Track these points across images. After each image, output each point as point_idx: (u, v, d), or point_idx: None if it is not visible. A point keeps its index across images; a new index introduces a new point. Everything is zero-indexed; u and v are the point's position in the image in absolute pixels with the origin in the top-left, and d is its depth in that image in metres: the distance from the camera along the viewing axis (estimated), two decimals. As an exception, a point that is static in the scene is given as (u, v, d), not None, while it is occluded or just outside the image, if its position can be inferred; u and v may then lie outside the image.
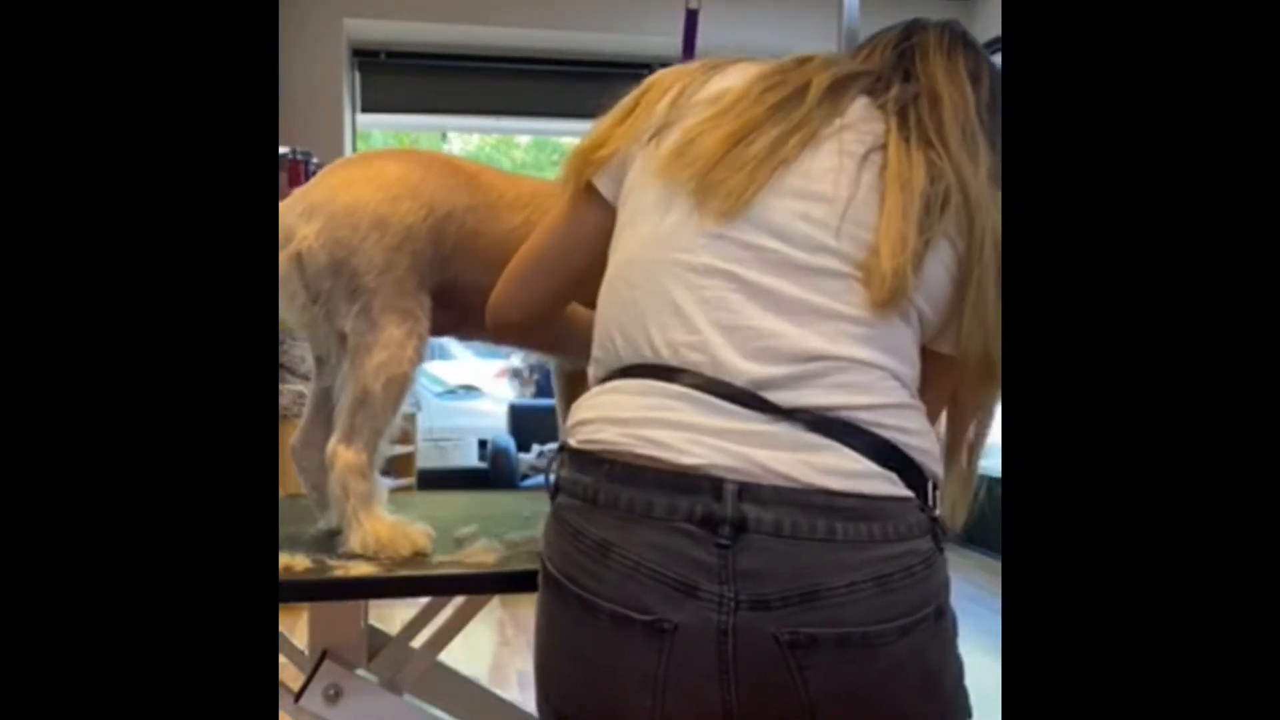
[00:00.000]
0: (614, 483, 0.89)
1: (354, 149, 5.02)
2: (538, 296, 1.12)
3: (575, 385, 1.64)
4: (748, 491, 0.85)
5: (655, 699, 0.87)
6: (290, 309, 1.33)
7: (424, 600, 1.65)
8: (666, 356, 0.90)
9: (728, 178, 0.92)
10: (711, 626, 0.85)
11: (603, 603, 0.88)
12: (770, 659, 0.84)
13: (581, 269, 1.06)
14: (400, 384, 1.31)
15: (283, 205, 1.35)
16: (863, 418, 0.88)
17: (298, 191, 1.38)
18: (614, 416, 0.92)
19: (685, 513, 0.86)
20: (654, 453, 0.87)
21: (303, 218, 1.30)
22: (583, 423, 0.94)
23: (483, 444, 5.45)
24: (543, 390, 6.55)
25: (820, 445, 0.87)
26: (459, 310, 1.40)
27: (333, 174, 1.39)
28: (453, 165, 1.41)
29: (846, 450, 0.87)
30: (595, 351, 0.98)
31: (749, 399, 0.87)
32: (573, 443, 0.95)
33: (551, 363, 1.63)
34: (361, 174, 1.35)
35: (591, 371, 1.00)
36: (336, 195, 1.31)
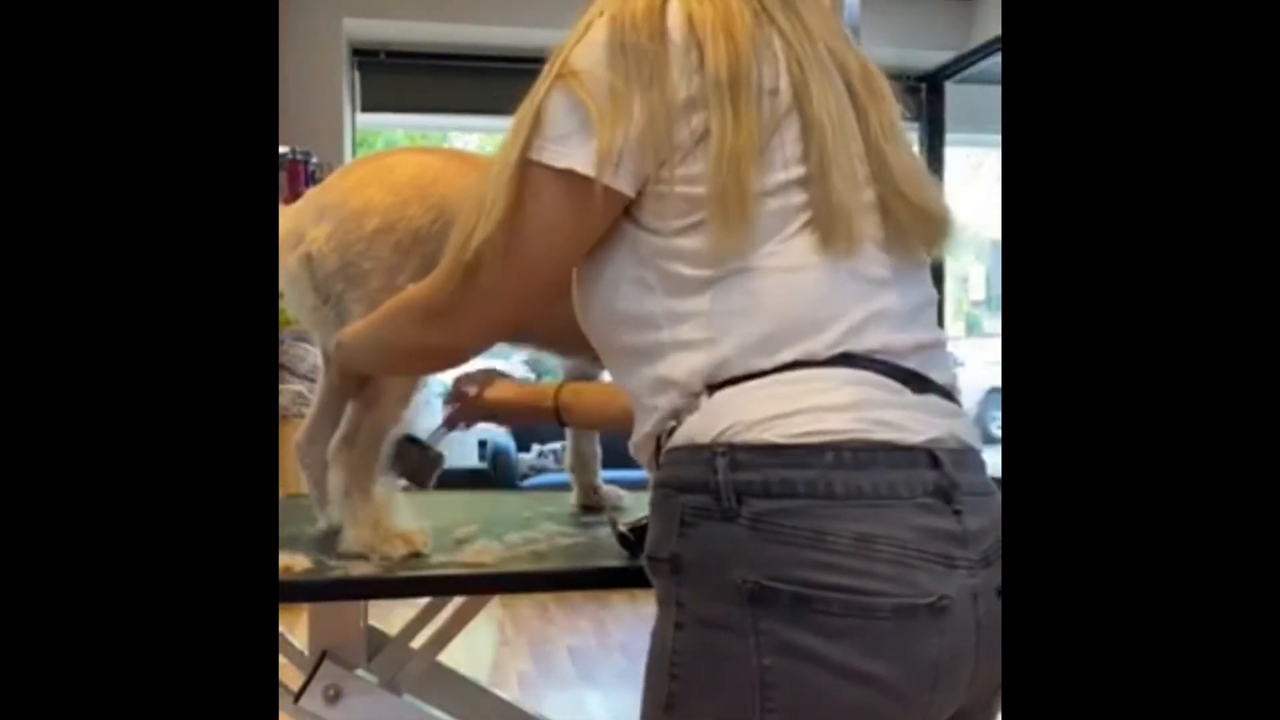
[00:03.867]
0: (848, 470, 0.84)
1: (354, 149, 5.02)
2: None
3: None
4: (954, 458, 0.88)
5: (933, 689, 0.84)
6: (301, 310, 1.33)
7: (424, 600, 1.65)
8: (849, 345, 0.89)
9: None
10: (968, 594, 0.85)
11: (881, 599, 0.81)
12: (998, 613, 0.85)
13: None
14: (406, 386, 1.31)
15: (295, 206, 1.35)
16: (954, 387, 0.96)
17: (311, 192, 1.38)
18: (831, 404, 0.85)
19: (923, 488, 0.85)
20: (888, 435, 0.85)
21: (314, 219, 1.30)
22: (780, 416, 0.85)
23: (483, 444, 5.44)
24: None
25: (958, 412, 0.94)
26: None
27: (346, 175, 1.38)
28: (471, 165, 1.39)
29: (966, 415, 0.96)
30: (727, 350, 0.88)
31: (913, 376, 0.91)
32: (773, 438, 0.84)
33: (560, 365, 1.63)
34: (373, 175, 1.34)
35: (717, 366, 0.89)
36: (348, 198, 1.30)
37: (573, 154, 0.88)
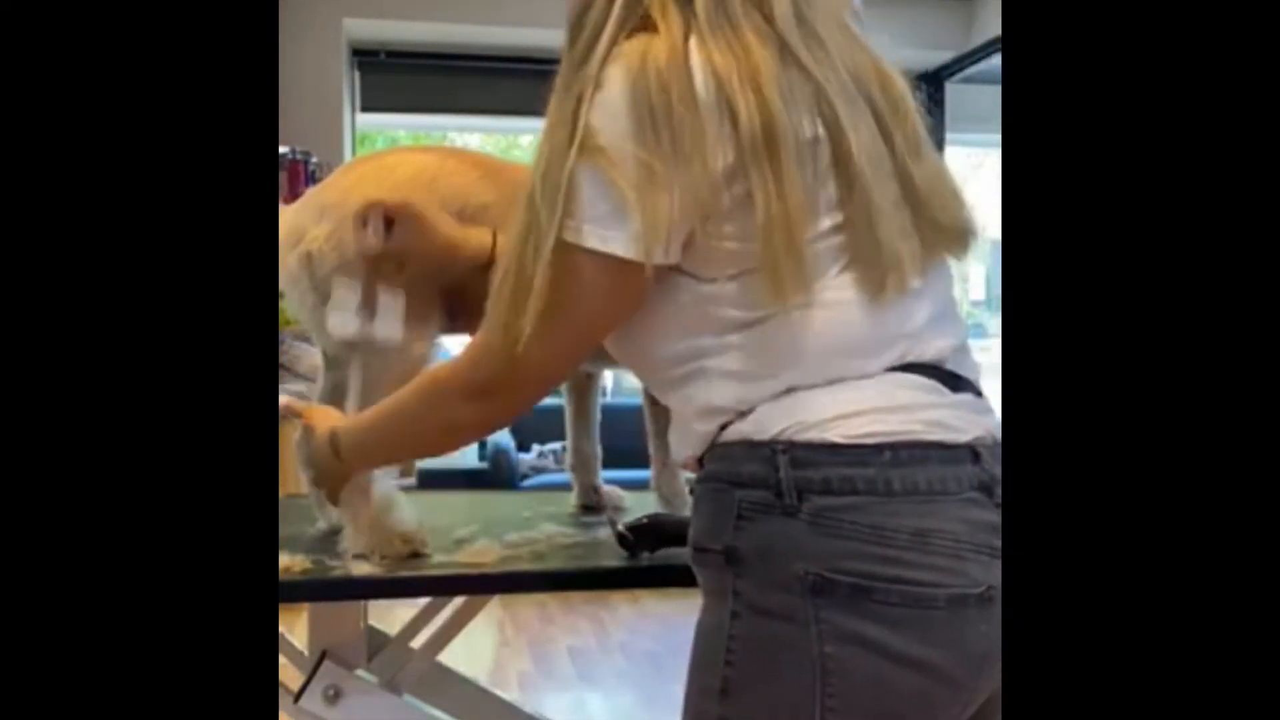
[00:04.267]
0: (905, 468, 0.87)
1: (354, 149, 5.02)
2: None
3: (582, 386, 1.64)
4: (991, 454, 0.91)
5: (979, 675, 0.87)
6: (302, 310, 1.33)
7: (424, 600, 1.65)
8: (898, 363, 0.92)
9: None
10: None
11: (938, 590, 0.85)
12: None
13: None
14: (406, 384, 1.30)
15: (295, 206, 1.35)
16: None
17: (312, 190, 1.38)
18: (887, 405, 0.89)
19: (969, 482, 0.89)
20: (939, 435, 0.89)
21: (314, 218, 1.29)
22: (840, 417, 0.88)
23: (483, 444, 5.45)
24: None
25: (990, 409, 0.96)
26: (472, 309, 1.40)
27: (345, 174, 1.38)
28: (472, 160, 1.39)
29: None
30: (775, 385, 0.91)
31: (950, 376, 0.94)
32: (834, 438, 0.87)
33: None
34: (372, 174, 1.34)
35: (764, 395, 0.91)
36: (348, 196, 1.30)
37: (613, 237, 0.87)
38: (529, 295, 0.89)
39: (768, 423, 0.89)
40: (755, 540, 0.88)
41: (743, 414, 0.91)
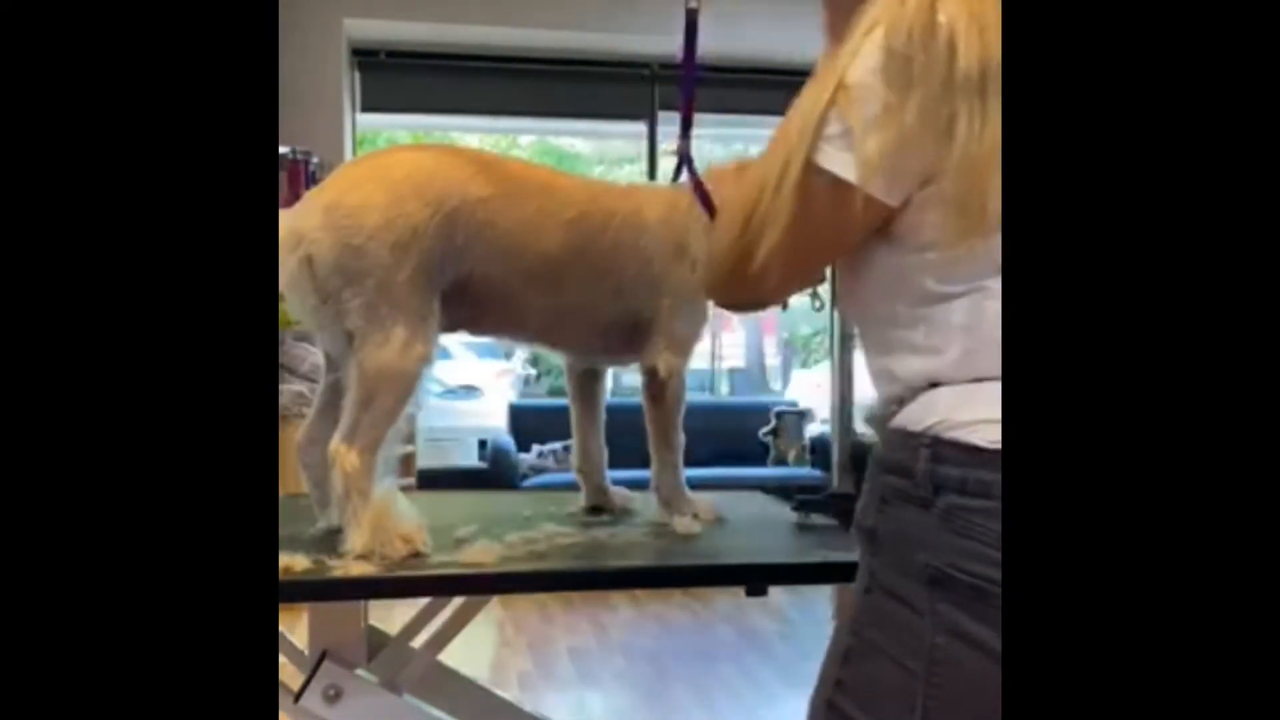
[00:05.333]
0: None
1: (354, 149, 5.03)
2: None
3: (587, 384, 1.64)
4: None
5: None
6: (303, 309, 1.33)
7: (424, 600, 1.65)
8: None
9: None
10: None
11: None
12: None
13: None
14: (406, 385, 1.30)
15: (295, 208, 1.35)
16: None
17: (311, 192, 1.38)
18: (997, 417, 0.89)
19: None
20: None
21: (313, 219, 1.30)
22: (985, 421, 0.88)
23: (483, 444, 5.45)
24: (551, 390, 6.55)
25: None
26: (472, 306, 1.40)
27: (343, 174, 1.39)
28: (467, 157, 1.40)
29: None
30: (945, 363, 0.92)
31: None
32: (977, 441, 0.88)
33: (563, 363, 1.63)
34: (370, 174, 1.34)
35: (934, 374, 0.93)
36: (344, 196, 1.31)
37: (839, 159, 0.90)
38: (766, 217, 0.95)
39: (921, 415, 0.92)
40: (892, 525, 0.93)
41: (907, 396, 0.94)
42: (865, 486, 0.98)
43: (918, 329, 0.94)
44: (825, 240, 0.97)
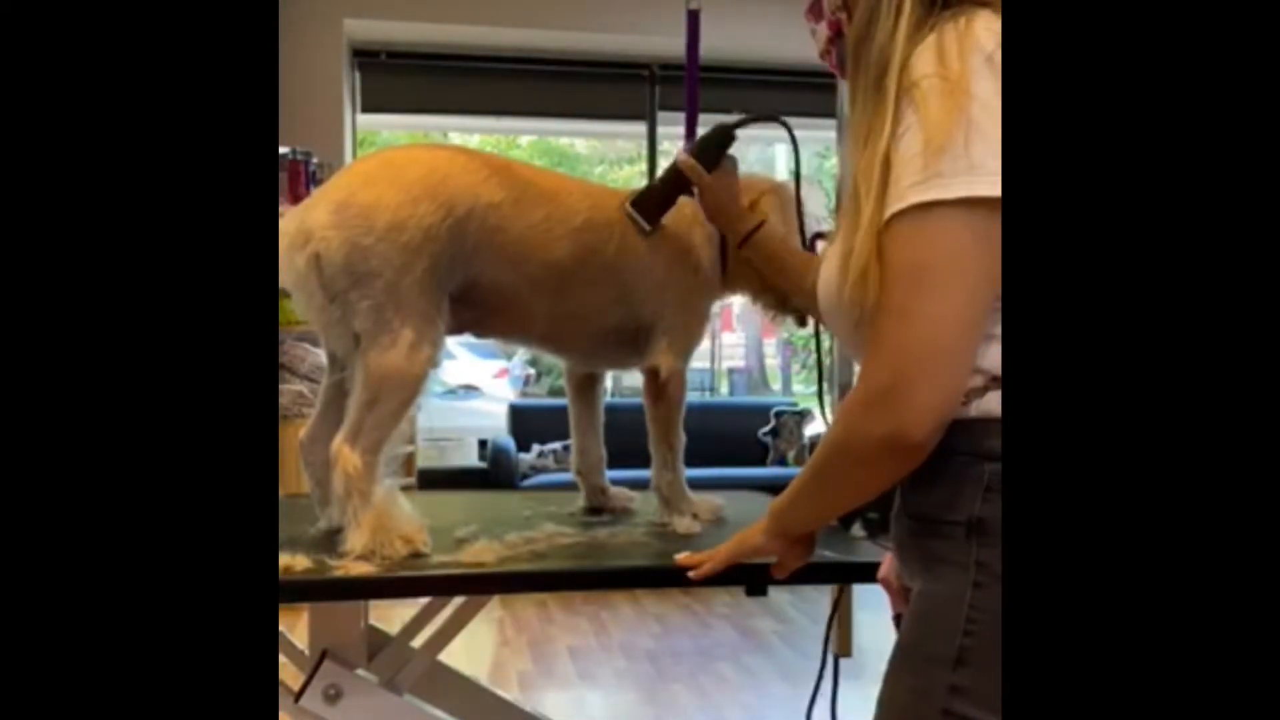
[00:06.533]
0: None
1: (354, 149, 5.03)
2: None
3: (586, 386, 1.64)
4: None
5: None
6: (309, 308, 1.32)
7: (424, 600, 1.65)
8: None
9: None
10: None
11: None
12: None
13: None
14: (411, 388, 1.30)
15: (303, 204, 1.34)
16: None
17: (320, 189, 1.37)
18: None
19: None
20: None
21: (322, 217, 1.29)
22: None
23: (483, 444, 5.45)
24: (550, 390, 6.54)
25: None
26: (479, 309, 1.40)
27: (354, 171, 1.37)
28: (480, 160, 1.39)
29: None
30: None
31: None
32: None
33: (562, 365, 1.63)
34: (382, 173, 1.33)
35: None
36: (356, 195, 1.30)
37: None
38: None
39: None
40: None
41: (988, 387, 0.90)
42: (944, 480, 0.92)
43: (997, 320, 0.89)
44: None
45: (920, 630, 0.93)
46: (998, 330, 0.90)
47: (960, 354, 0.88)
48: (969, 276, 0.86)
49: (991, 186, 0.84)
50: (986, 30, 0.87)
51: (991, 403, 0.90)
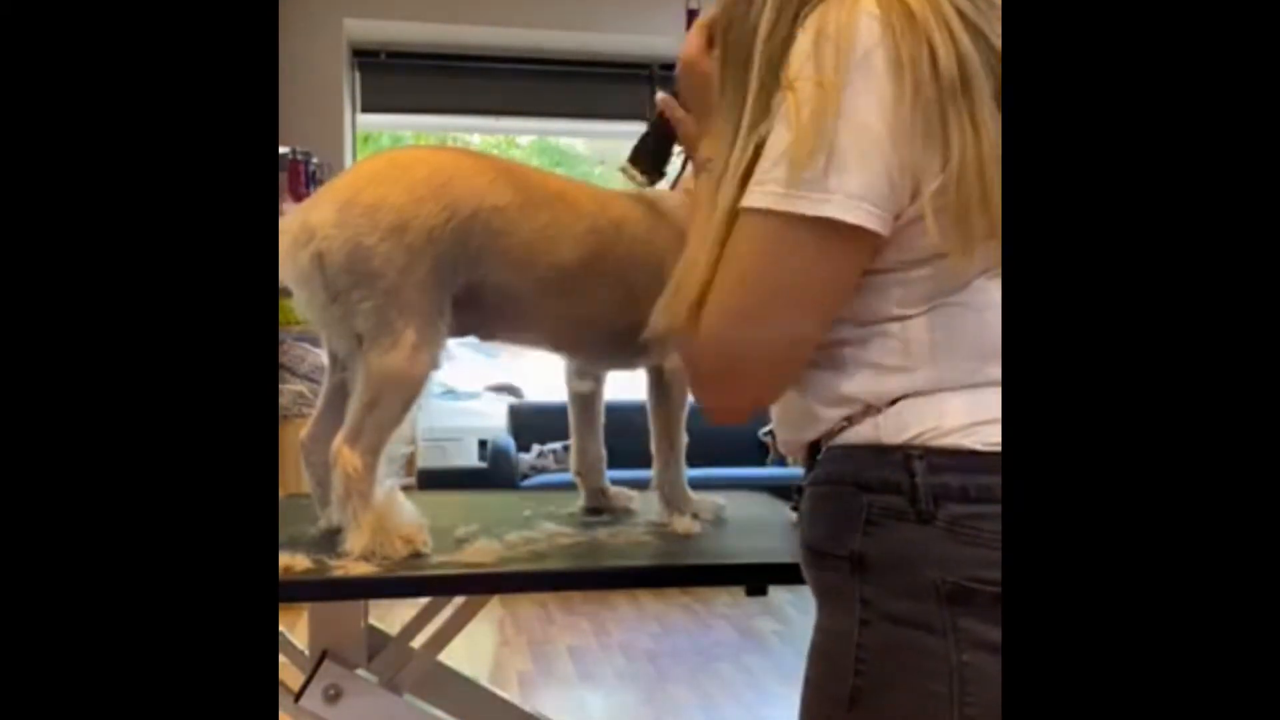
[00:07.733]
0: None
1: (354, 149, 5.03)
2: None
3: (586, 403, 1.64)
4: None
5: None
6: (311, 307, 1.32)
7: (424, 600, 1.65)
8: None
9: None
10: None
11: None
12: None
13: None
14: (412, 390, 1.30)
15: (307, 203, 1.34)
16: None
17: (324, 188, 1.37)
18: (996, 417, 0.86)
19: None
20: None
21: (326, 215, 1.28)
22: (978, 424, 0.86)
23: (483, 444, 5.45)
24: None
25: None
26: (483, 312, 1.40)
27: (360, 170, 1.37)
28: (485, 163, 1.39)
29: None
30: (920, 381, 0.89)
31: None
32: (973, 445, 0.86)
33: (563, 372, 1.63)
34: (387, 173, 1.33)
35: (907, 391, 0.89)
36: (360, 194, 1.29)
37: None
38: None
39: (900, 427, 0.87)
40: (885, 547, 0.86)
41: (867, 412, 0.89)
42: (824, 512, 0.91)
43: (874, 346, 0.89)
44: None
45: (815, 670, 0.92)
46: (878, 358, 0.89)
47: (786, 364, 0.89)
48: (808, 293, 0.86)
49: (842, 210, 0.82)
50: (869, 18, 0.83)
51: (878, 431, 0.88)
